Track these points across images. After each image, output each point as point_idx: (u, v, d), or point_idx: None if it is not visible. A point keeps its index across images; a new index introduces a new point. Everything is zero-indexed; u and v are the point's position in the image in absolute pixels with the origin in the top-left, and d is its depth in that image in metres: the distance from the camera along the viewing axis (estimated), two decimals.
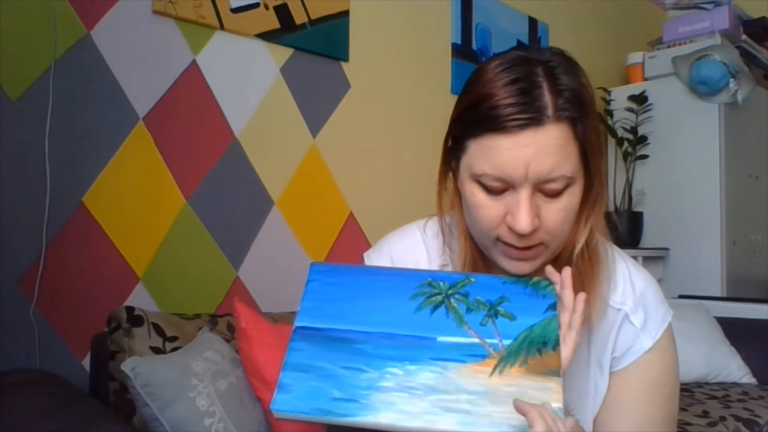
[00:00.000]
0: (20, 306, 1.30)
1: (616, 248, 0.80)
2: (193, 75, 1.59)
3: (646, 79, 2.86)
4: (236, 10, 1.66)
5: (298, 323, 0.65)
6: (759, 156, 2.86)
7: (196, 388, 1.13)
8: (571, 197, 0.66)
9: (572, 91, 0.65)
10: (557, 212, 0.66)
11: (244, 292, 1.67)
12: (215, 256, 1.62)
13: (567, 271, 0.67)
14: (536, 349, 0.62)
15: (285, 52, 1.78)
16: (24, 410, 0.98)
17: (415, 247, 0.81)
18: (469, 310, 0.65)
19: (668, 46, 2.81)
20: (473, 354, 0.61)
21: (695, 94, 2.64)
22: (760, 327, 2.26)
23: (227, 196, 1.65)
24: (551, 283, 0.68)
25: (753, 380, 2.10)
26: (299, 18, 1.80)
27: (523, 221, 0.64)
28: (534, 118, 0.62)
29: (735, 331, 2.21)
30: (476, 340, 0.63)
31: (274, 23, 1.74)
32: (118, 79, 1.45)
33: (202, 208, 1.59)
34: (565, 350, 0.63)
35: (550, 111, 0.63)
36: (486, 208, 0.67)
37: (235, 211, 1.67)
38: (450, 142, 0.72)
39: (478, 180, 0.66)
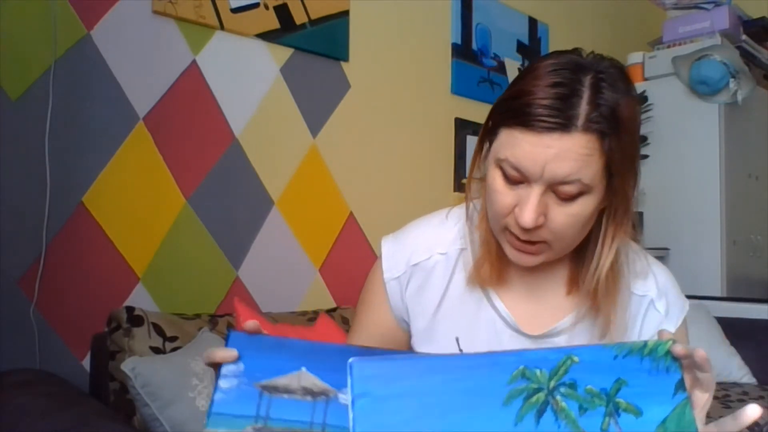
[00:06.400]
0: (20, 306, 1.30)
1: (633, 244, 0.81)
2: (193, 75, 1.59)
3: (646, 79, 2.86)
4: (236, 10, 1.66)
5: None
6: (759, 156, 2.85)
7: (196, 388, 1.13)
8: (584, 205, 0.67)
9: (610, 106, 0.64)
10: (565, 216, 0.67)
11: (244, 292, 1.67)
12: (215, 256, 1.62)
13: (701, 353, 0.57)
14: None
15: (285, 52, 1.78)
16: (24, 410, 0.98)
17: (429, 233, 0.82)
18: (582, 408, 0.51)
19: (668, 46, 2.81)
20: None
21: (695, 94, 2.64)
22: (760, 327, 2.26)
23: (227, 196, 1.65)
24: (670, 351, 0.56)
25: (753, 380, 2.10)
26: (299, 18, 1.80)
27: (528, 216, 0.65)
28: (562, 124, 0.63)
29: (735, 331, 2.22)
30: None
31: (274, 23, 1.74)
32: (118, 79, 1.45)
33: (202, 208, 1.59)
34: None
35: (580, 121, 0.63)
36: (501, 194, 0.68)
37: (235, 211, 1.67)
38: (489, 125, 0.73)
39: (500, 165, 0.68)
